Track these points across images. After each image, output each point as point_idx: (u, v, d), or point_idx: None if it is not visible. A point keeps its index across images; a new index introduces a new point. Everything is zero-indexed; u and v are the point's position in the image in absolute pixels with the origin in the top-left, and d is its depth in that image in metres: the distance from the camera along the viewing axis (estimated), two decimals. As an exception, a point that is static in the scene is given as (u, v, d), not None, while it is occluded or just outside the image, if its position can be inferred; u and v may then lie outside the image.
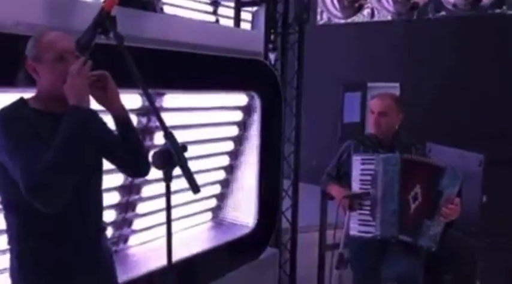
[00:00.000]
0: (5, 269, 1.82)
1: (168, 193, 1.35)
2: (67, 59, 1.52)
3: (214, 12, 4.56)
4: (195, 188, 1.32)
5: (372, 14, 5.47)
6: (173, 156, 1.33)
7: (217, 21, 4.41)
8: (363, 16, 5.53)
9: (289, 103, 3.74)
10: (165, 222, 2.91)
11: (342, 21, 5.72)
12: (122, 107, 1.63)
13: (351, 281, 2.75)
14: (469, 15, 4.89)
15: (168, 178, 1.34)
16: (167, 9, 3.72)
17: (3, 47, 1.83)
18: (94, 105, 1.57)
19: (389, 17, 5.42)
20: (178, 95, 2.80)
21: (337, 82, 5.12)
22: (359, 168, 2.59)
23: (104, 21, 1.48)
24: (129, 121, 1.67)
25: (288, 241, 3.83)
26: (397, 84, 4.93)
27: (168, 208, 1.35)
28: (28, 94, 1.59)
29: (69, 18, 2.00)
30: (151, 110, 2.59)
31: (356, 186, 2.59)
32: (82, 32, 1.55)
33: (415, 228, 2.47)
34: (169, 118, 2.71)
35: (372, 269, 2.62)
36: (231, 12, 4.42)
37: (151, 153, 1.43)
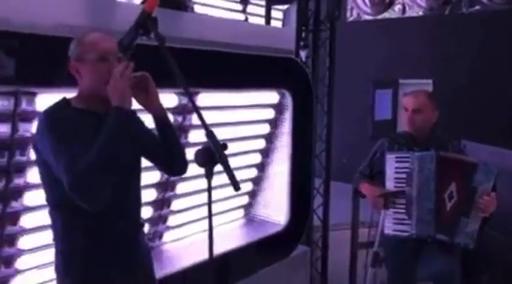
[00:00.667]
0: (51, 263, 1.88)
1: (209, 190, 1.38)
2: (108, 60, 1.55)
3: (244, 11, 4.59)
4: (236, 185, 1.34)
5: (403, 10, 5.39)
6: (214, 154, 1.35)
7: (246, 19, 4.43)
8: (394, 12, 5.45)
9: (321, 100, 3.73)
10: (198, 219, 2.97)
11: (372, 17, 5.65)
12: (161, 107, 1.66)
13: (385, 280, 2.72)
14: (505, 9, 4.76)
15: (209, 175, 1.37)
16: (196, 8, 3.76)
17: (46, 48, 1.89)
18: (133, 104, 1.60)
19: (420, 13, 5.33)
20: (211, 94, 2.83)
21: (367, 79, 5.07)
22: (393, 166, 2.56)
23: (145, 22, 1.51)
24: (168, 121, 1.70)
25: (320, 239, 3.82)
26: (430, 81, 4.83)
27: (209, 203, 1.38)
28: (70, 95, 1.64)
29: (109, 19, 2.05)
30: (187, 109, 2.65)
31: (390, 185, 2.57)
32: (121, 32, 1.59)
33: (452, 226, 2.44)
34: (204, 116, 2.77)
35: (407, 269, 2.59)
36: (259, 11, 4.43)
37: (192, 151, 1.45)
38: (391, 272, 2.70)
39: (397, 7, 5.44)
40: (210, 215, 1.40)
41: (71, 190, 1.41)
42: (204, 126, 1.40)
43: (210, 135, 1.39)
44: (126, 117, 1.50)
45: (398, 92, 5.16)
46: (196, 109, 1.43)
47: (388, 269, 2.73)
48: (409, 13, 5.38)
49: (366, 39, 5.44)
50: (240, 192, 3.37)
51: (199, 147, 1.39)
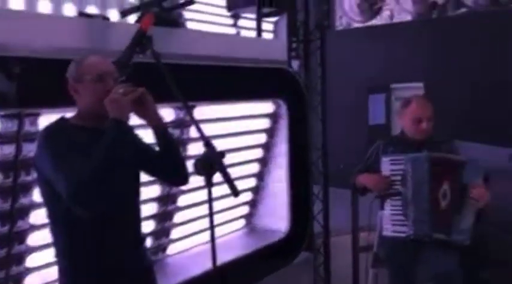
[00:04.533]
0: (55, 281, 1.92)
1: (210, 198, 1.43)
2: (106, 80, 1.62)
3: (235, 25, 4.69)
4: (235, 191, 1.40)
5: (392, 16, 5.51)
6: (213, 163, 1.42)
7: (238, 33, 4.53)
8: (382, 18, 5.57)
9: (315, 108, 3.81)
10: (201, 231, 3.01)
11: (362, 25, 5.77)
12: (160, 119, 1.72)
13: (386, 281, 2.76)
14: (490, 11, 4.88)
15: (209, 184, 1.43)
16: (189, 25, 3.85)
17: (46, 70, 1.96)
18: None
19: (409, 18, 5.45)
20: (208, 107, 2.90)
21: (360, 86, 5.18)
22: (388, 168, 2.61)
23: (141, 40, 1.59)
24: (168, 132, 1.75)
25: (321, 245, 3.87)
26: (421, 84, 4.94)
27: (211, 211, 1.44)
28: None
29: (105, 39, 2.12)
30: (184, 123, 2.72)
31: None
32: (117, 52, 1.66)
33: (447, 225, 2.48)
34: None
35: (408, 270, 2.62)
36: (250, 24, 4.53)
37: (192, 164, 1.48)
38: (391, 273, 2.73)
39: (385, 13, 5.56)
40: (211, 222, 1.45)
41: (71, 199, 1.46)
42: (202, 136, 1.47)
43: (208, 144, 1.45)
44: (124, 129, 1.56)
45: (391, 97, 5.27)
46: (194, 121, 1.50)
47: (389, 271, 2.76)
48: (398, 19, 5.50)
49: (356, 46, 5.56)
50: (240, 202, 3.48)
51: (198, 157, 1.45)
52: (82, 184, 1.45)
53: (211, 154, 1.43)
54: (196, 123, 1.50)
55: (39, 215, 2.11)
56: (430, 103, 2.71)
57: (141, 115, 1.67)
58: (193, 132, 2.84)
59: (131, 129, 1.63)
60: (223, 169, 1.41)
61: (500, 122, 4.52)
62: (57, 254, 1.67)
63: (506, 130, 4.31)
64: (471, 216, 2.48)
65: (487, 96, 4.73)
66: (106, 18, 2.36)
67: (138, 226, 1.80)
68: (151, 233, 2.79)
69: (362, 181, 2.72)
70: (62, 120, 1.66)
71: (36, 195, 2.09)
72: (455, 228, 2.47)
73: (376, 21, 5.66)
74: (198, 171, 1.43)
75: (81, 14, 2.27)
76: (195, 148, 2.84)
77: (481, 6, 4.95)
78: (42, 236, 2.17)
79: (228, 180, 1.41)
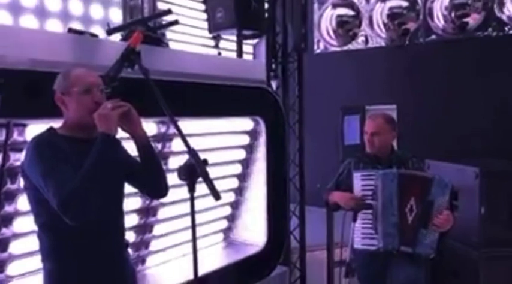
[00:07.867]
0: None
1: (192, 203, 1.53)
2: (92, 92, 1.71)
3: (216, 46, 4.85)
4: (216, 195, 1.50)
5: (366, 41, 5.76)
6: (196, 169, 1.52)
7: (219, 54, 4.68)
8: (357, 44, 5.81)
9: (292, 127, 3.95)
10: (181, 243, 3.06)
11: (338, 49, 5.99)
12: (144, 133, 1.81)
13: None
14: (458, 38, 5.17)
15: (192, 189, 1.52)
16: (172, 45, 3.98)
17: (35, 83, 2.04)
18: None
19: (382, 43, 5.69)
20: (190, 122, 3.00)
21: (337, 107, 5.34)
22: (359, 183, 2.73)
23: (130, 55, 1.69)
24: (150, 146, 1.85)
25: (297, 260, 3.96)
26: (394, 106, 5.12)
27: (193, 215, 1.53)
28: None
29: (92, 55, 2.23)
30: (166, 137, 2.82)
31: None
32: (104, 66, 1.76)
33: (413, 238, 2.61)
34: (181, 143, 2.92)
35: (378, 279, 2.76)
36: (230, 45, 4.69)
37: (172, 177, 1.54)
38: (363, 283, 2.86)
39: (360, 39, 5.80)
40: (193, 228, 1.55)
41: (60, 207, 1.53)
42: (186, 144, 1.57)
43: (191, 151, 1.55)
44: (112, 142, 1.65)
45: (365, 118, 5.44)
46: (180, 131, 1.60)
47: (360, 282, 2.88)
48: (372, 44, 5.74)
49: (333, 69, 5.75)
50: (218, 216, 3.55)
51: (181, 164, 1.55)
52: (72, 194, 1.53)
53: (195, 161, 1.53)
54: (182, 133, 1.60)
55: (23, 224, 2.17)
56: (381, 120, 2.84)
57: (126, 129, 1.76)
58: (174, 145, 2.94)
59: (119, 142, 1.72)
60: (205, 175, 1.51)
61: (467, 142, 4.74)
62: (43, 259, 1.73)
63: (472, 150, 4.52)
64: (436, 232, 2.61)
65: (456, 118, 4.95)
66: (94, 35, 2.47)
67: (122, 232, 1.88)
68: (131, 245, 2.84)
69: (333, 198, 2.86)
70: (51, 129, 1.74)
71: (21, 203, 2.14)
72: (421, 242, 2.60)
73: (351, 46, 5.89)
74: (181, 177, 1.52)
75: (71, 30, 2.37)
76: (176, 162, 2.93)
77: (449, 33, 5.24)
78: (24, 245, 2.21)
79: (210, 185, 1.51)
